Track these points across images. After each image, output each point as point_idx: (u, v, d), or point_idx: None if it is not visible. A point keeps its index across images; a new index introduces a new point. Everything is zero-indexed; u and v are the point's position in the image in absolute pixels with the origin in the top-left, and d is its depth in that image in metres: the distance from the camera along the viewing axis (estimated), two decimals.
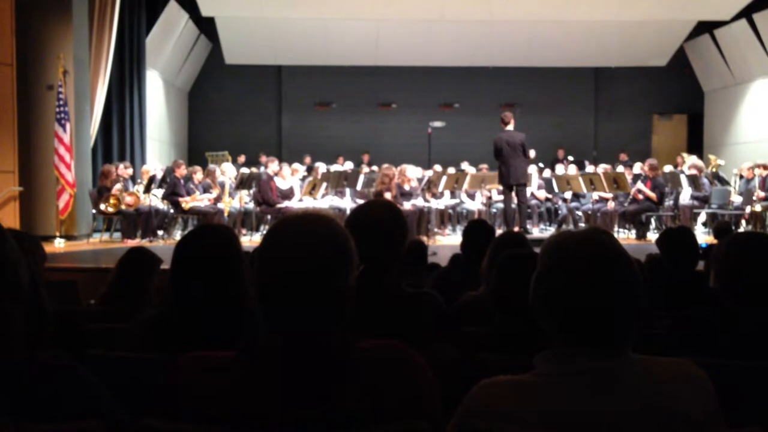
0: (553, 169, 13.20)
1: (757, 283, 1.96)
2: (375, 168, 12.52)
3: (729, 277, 2.02)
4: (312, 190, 10.10)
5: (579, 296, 1.29)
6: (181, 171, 10.03)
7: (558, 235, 1.41)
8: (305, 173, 11.73)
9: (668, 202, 10.60)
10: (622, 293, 1.29)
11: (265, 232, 1.28)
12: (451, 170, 11.86)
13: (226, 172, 10.98)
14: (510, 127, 9.39)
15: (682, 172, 11.19)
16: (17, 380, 1.19)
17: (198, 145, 15.86)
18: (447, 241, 9.88)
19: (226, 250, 2.06)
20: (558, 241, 1.37)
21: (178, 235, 10.16)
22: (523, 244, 2.84)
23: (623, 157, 14.37)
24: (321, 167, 11.58)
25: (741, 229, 9.73)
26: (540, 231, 10.94)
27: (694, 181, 10.41)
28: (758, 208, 9.96)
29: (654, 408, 1.24)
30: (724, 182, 11.76)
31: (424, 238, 8.85)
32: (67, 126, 9.10)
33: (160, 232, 9.94)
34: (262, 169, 11.27)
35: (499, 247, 2.78)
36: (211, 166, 11.18)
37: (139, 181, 10.70)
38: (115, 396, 1.36)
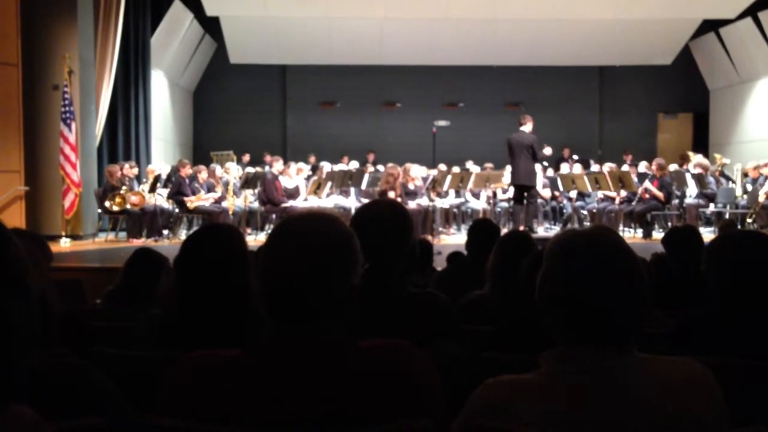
0: (557, 168, 13.17)
1: (745, 282, 1.96)
2: (380, 167, 12.51)
3: (718, 276, 2.03)
4: (317, 189, 10.10)
5: (582, 294, 1.28)
6: (186, 170, 10.05)
7: (564, 233, 1.41)
8: (310, 172, 11.73)
9: (674, 200, 10.57)
10: (626, 292, 1.28)
11: (269, 231, 1.28)
12: (456, 169, 11.84)
13: (231, 171, 10.99)
14: (524, 128, 9.44)
15: (688, 170, 11.16)
16: (28, 379, 1.20)
17: (203, 144, 15.88)
18: (452, 240, 9.87)
19: (230, 249, 2.06)
20: (563, 239, 1.37)
21: (183, 234, 10.17)
22: (529, 243, 2.84)
23: (629, 156, 14.33)
24: (326, 166, 11.57)
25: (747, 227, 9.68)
26: (545, 230, 10.91)
27: (699, 179, 10.38)
28: (762, 198, 9.88)
29: (658, 407, 1.24)
30: (729, 180, 11.72)
31: (429, 238, 8.85)
32: (73, 126, 9.12)
33: (165, 232, 9.96)
34: (267, 168, 11.28)
35: (504, 247, 2.77)
36: (212, 165, 11.19)
37: (144, 180, 10.72)
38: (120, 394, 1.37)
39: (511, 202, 10.30)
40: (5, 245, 1.10)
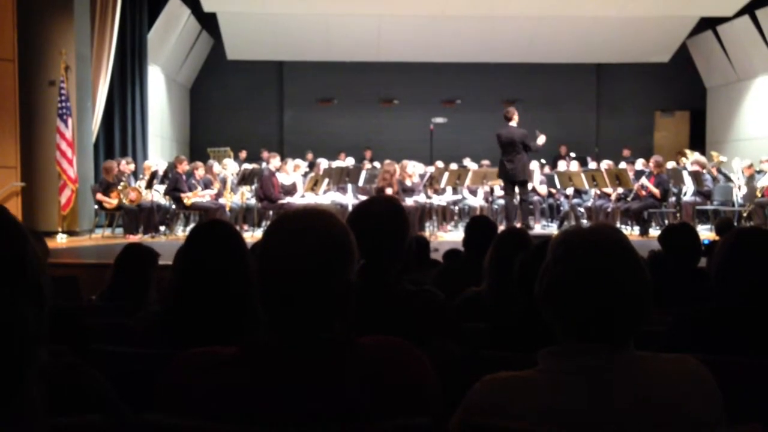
0: (555, 166, 13.18)
1: (756, 279, 1.95)
2: (377, 164, 12.50)
3: (728, 273, 2.02)
4: (314, 186, 10.09)
5: (580, 290, 1.28)
6: (183, 167, 10.04)
7: (568, 228, 1.41)
8: (307, 169, 11.72)
9: (671, 198, 10.58)
10: (625, 291, 1.28)
11: (266, 228, 1.26)
12: (453, 166, 11.83)
13: (228, 167, 10.97)
14: (513, 123, 9.36)
15: (685, 168, 11.17)
16: (23, 378, 1.19)
17: (199, 140, 15.86)
18: (449, 237, 9.87)
19: (228, 247, 2.06)
20: (565, 234, 1.37)
21: (179, 230, 10.17)
22: (526, 240, 2.84)
23: (626, 153, 14.34)
24: (323, 163, 11.56)
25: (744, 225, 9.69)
26: (542, 227, 10.93)
27: (696, 177, 10.39)
28: (758, 193, 9.90)
29: (655, 405, 1.24)
30: (727, 179, 11.74)
31: (426, 234, 8.85)
32: (69, 121, 9.10)
33: (162, 228, 9.95)
34: (264, 165, 11.27)
35: (501, 244, 2.77)
36: (210, 161, 11.18)
37: (141, 176, 10.70)
38: (118, 392, 1.37)
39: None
40: (24, 248, 1.09)
